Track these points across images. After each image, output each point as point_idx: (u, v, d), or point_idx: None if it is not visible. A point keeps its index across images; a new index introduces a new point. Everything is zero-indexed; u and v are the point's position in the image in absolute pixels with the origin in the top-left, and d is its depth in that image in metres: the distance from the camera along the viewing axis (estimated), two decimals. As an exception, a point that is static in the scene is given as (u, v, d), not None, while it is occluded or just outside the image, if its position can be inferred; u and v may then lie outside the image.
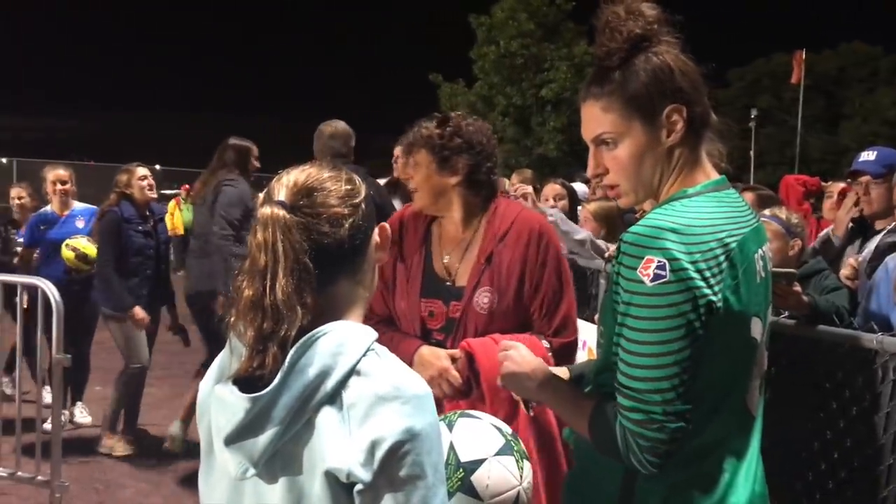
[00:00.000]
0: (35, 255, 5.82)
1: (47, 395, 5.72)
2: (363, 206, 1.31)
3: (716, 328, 1.40)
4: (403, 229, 2.52)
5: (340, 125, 4.73)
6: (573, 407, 1.61)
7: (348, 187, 1.30)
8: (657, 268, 1.38)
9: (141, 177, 5.22)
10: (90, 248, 5.29)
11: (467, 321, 2.35)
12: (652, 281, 1.38)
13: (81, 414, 5.73)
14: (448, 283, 2.42)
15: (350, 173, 1.34)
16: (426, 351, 2.36)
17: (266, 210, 1.24)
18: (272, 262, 1.21)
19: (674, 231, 1.40)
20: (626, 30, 1.50)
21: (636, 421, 1.41)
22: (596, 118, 1.54)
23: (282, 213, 1.24)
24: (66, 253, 5.31)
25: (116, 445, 5.11)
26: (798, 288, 2.70)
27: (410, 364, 2.34)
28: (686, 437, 1.41)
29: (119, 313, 5.06)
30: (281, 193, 1.27)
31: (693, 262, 1.38)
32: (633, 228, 1.44)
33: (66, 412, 5.49)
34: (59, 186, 5.71)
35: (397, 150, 5.53)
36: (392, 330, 2.46)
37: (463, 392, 2.31)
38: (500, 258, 2.36)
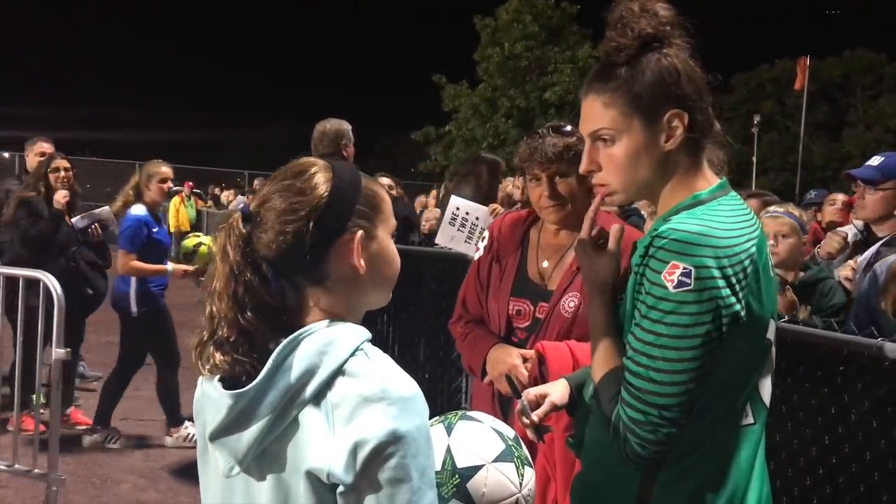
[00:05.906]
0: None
1: None
2: (318, 214, 1.23)
3: (734, 334, 1.40)
4: (501, 234, 2.58)
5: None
6: (603, 347, 1.54)
7: (294, 200, 1.23)
8: (682, 275, 1.36)
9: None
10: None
11: (551, 322, 2.39)
12: (675, 287, 1.36)
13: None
14: (540, 286, 2.46)
15: (310, 181, 1.25)
16: (498, 348, 2.41)
17: (230, 214, 1.26)
18: (220, 267, 1.23)
19: (708, 237, 1.38)
20: (638, 27, 1.47)
21: (632, 418, 1.41)
22: (596, 113, 1.51)
23: (236, 219, 1.24)
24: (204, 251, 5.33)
25: None
26: (790, 294, 2.70)
27: (485, 360, 2.42)
28: (675, 441, 1.41)
29: None
30: (255, 200, 1.28)
31: (721, 269, 1.36)
32: (665, 232, 1.40)
33: None
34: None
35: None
36: (478, 328, 2.51)
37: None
38: None
